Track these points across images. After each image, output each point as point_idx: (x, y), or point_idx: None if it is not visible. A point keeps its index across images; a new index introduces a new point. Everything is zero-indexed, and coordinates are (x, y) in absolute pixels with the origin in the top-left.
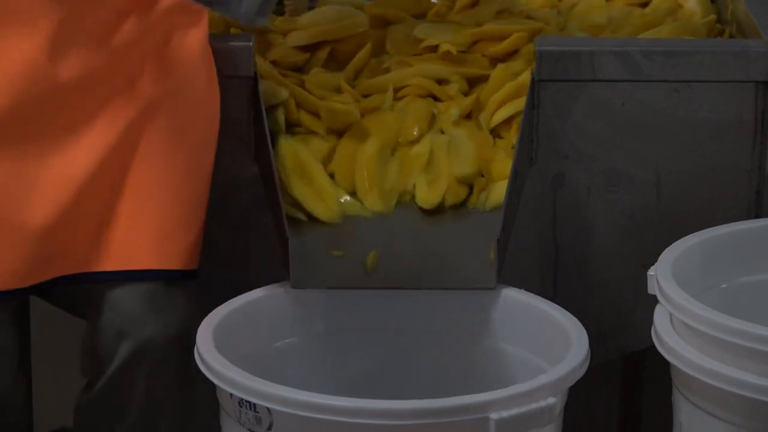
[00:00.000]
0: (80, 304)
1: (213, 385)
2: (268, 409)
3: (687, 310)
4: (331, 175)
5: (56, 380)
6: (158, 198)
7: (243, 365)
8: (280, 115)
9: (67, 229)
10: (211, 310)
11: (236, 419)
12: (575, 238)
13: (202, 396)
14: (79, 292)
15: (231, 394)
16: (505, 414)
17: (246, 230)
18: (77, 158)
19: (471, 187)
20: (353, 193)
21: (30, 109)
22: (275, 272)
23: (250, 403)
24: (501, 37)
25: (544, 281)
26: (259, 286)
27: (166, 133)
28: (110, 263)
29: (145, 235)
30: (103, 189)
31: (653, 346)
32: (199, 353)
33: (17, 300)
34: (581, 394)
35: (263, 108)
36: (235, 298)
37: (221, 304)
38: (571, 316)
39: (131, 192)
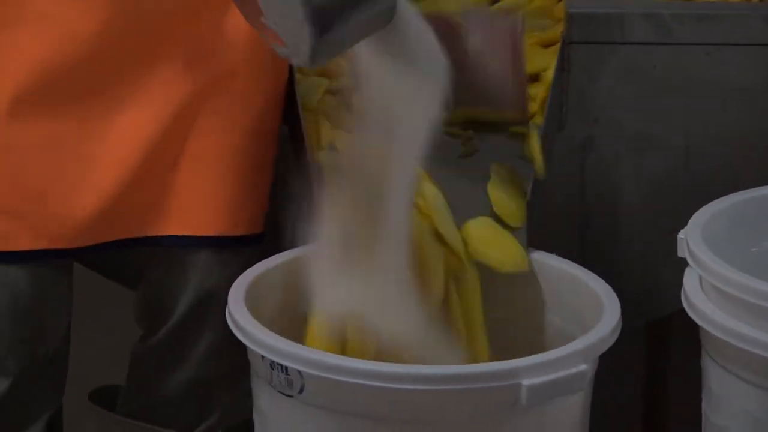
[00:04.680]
0: (134, 265)
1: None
2: (300, 372)
3: (718, 273)
4: None
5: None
6: (225, 164)
7: (273, 327)
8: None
9: (132, 191)
10: None
11: (267, 381)
12: (604, 202)
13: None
14: (136, 253)
15: (262, 356)
16: (536, 380)
17: (275, 190)
18: (142, 119)
19: None
20: None
21: (95, 64)
22: (304, 233)
23: (281, 365)
24: None
25: (572, 245)
26: (287, 248)
27: (234, 98)
28: (175, 227)
29: (211, 200)
30: (168, 152)
31: (681, 310)
32: (230, 314)
33: (83, 259)
34: (607, 358)
35: (293, 65)
36: (266, 259)
37: (249, 266)
38: (603, 282)
39: (197, 157)
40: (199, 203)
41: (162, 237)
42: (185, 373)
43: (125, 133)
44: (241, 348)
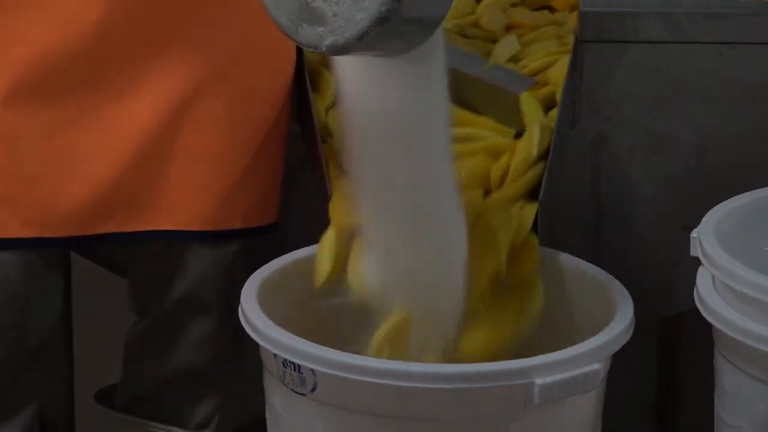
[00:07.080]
0: (125, 255)
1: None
2: (312, 370)
3: (730, 272)
4: None
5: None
6: (219, 160)
7: (286, 325)
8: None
9: (125, 184)
10: (251, 269)
11: (280, 379)
12: (617, 200)
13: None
14: (127, 245)
15: (275, 355)
16: (549, 379)
17: (287, 189)
18: (139, 111)
19: None
20: None
21: (94, 54)
22: (316, 232)
23: (294, 364)
24: None
25: (585, 243)
26: (299, 246)
27: (230, 96)
28: (165, 222)
29: (202, 196)
30: (163, 146)
31: (693, 309)
32: (243, 313)
33: (75, 249)
34: (620, 357)
35: (305, 65)
36: (279, 258)
37: (260, 263)
38: (616, 281)
39: (191, 152)
40: (190, 198)
41: (151, 232)
42: (174, 366)
43: (121, 125)
44: (233, 345)
